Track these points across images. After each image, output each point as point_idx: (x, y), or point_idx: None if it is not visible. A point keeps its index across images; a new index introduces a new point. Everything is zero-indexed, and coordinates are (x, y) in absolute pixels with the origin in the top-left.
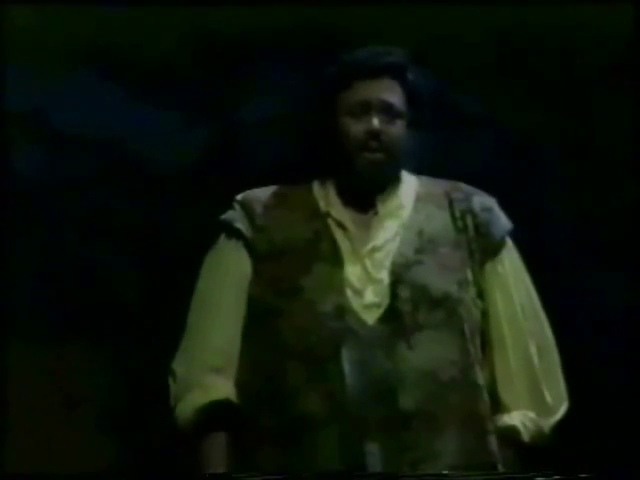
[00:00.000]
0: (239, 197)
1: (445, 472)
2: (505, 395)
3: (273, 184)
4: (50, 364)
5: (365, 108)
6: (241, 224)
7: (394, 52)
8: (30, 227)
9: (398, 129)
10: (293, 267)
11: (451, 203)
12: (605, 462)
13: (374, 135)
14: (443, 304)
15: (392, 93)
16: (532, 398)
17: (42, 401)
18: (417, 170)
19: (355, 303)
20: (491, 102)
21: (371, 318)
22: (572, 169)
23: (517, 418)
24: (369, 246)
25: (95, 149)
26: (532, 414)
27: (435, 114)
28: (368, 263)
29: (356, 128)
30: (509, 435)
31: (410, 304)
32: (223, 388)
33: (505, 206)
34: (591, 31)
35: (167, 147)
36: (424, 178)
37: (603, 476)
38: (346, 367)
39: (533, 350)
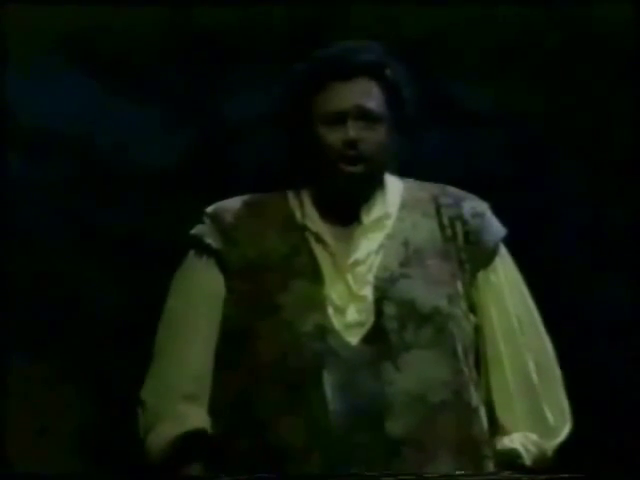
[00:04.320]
0: (209, 210)
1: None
2: (504, 416)
3: (259, 185)
4: (19, 384)
5: (341, 116)
6: (211, 239)
7: (370, 48)
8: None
9: (379, 135)
10: (269, 284)
11: (439, 209)
12: (603, 463)
13: (351, 145)
14: (432, 321)
15: (369, 97)
16: (533, 419)
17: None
18: (409, 172)
19: (337, 322)
20: (493, 102)
21: (355, 338)
22: (572, 169)
23: (518, 440)
24: (351, 260)
25: (72, 149)
26: (534, 436)
27: (432, 112)
28: (350, 279)
29: (332, 138)
30: (510, 459)
31: (396, 322)
32: (197, 417)
33: (506, 208)
34: (591, 31)
35: (149, 147)
36: (410, 181)
37: (601, 476)
38: (328, 391)
39: (532, 367)
